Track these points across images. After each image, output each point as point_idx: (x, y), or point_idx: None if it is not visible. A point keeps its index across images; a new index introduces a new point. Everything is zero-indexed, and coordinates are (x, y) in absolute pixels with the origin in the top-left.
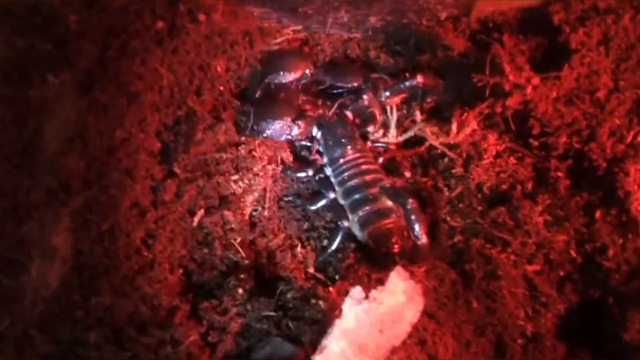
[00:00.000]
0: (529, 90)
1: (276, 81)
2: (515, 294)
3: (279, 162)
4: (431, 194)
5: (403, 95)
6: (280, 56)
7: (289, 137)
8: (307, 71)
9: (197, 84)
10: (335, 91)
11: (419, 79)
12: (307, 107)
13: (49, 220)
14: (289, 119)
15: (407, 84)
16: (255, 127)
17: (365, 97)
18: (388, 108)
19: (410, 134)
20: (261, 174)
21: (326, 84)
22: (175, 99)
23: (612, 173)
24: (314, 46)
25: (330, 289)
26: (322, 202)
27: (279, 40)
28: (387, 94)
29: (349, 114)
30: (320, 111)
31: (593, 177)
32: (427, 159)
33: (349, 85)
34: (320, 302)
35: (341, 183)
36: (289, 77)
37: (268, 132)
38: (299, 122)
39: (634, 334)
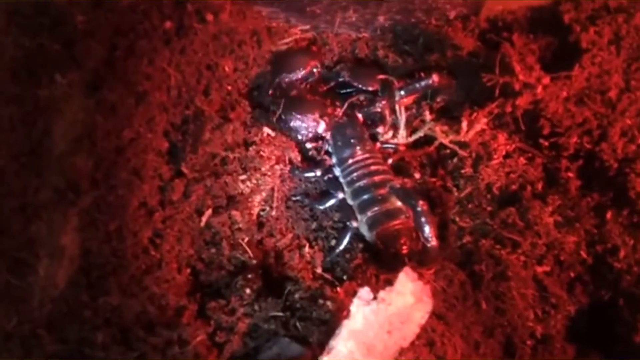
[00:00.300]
0: (539, 89)
1: (287, 80)
2: (524, 295)
3: (287, 161)
4: (440, 194)
5: (417, 95)
6: (288, 54)
7: (313, 132)
8: (315, 70)
9: (204, 84)
10: (343, 90)
11: (435, 78)
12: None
13: (57, 220)
14: (317, 115)
15: (423, 83)
16: (283, 117)
17: (379, 104)
18: (397, 108)
19: (420, 134)
20: (269, 173)
21: (331, 83)
22: (183, 99)
23: (623, 173)
24: (322, 46)
25: (338, 289)
26: (331, 202)
27: (287, 40)
28: (402, 93)
29: (359, 114)
30: (329, 110)
31: (604, 177)
32: (436, 159)
33: (365, 88)
34: (328, 303)
35: (350, 183)
36: (298, 74)
37: (295, 124)
38: (326, 119)
39: None
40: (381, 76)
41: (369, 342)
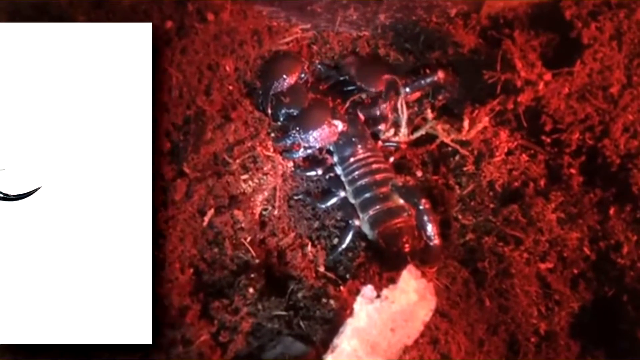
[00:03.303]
0: (540, 86)
1: (279, 89)
2: (528, 292)
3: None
4: (442, 192)
5: (422, 92)
6: (272, 63)
7: (337, 136)
8: (303, 75)
9: (206, 84)
10: (345, 88)
11: (440, 74)
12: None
13: None
14: (330, 119)
15: (428, 80)
16: (305, 144)
17: (383, 106)
18: (399, 107)
19: (421, 132)
20: (271, 173)
21: (331, 81)
22: (184, 99)
23: (625, 169)
24: (323, 45)
25: (341, 288)
26: (333, 201)
27: (287, 39)
28: (407, 90)
29: (360, 113)
30: (338, 110)
31: (606, 173)
32: (437, 157)
33: (369, 88)
34: (332, 302)
35: (351, 182)
36: (289, 80)
37: (318, 141)
38: (340, 118)
39: None
40: (387, 76)
41: (373, 340)
